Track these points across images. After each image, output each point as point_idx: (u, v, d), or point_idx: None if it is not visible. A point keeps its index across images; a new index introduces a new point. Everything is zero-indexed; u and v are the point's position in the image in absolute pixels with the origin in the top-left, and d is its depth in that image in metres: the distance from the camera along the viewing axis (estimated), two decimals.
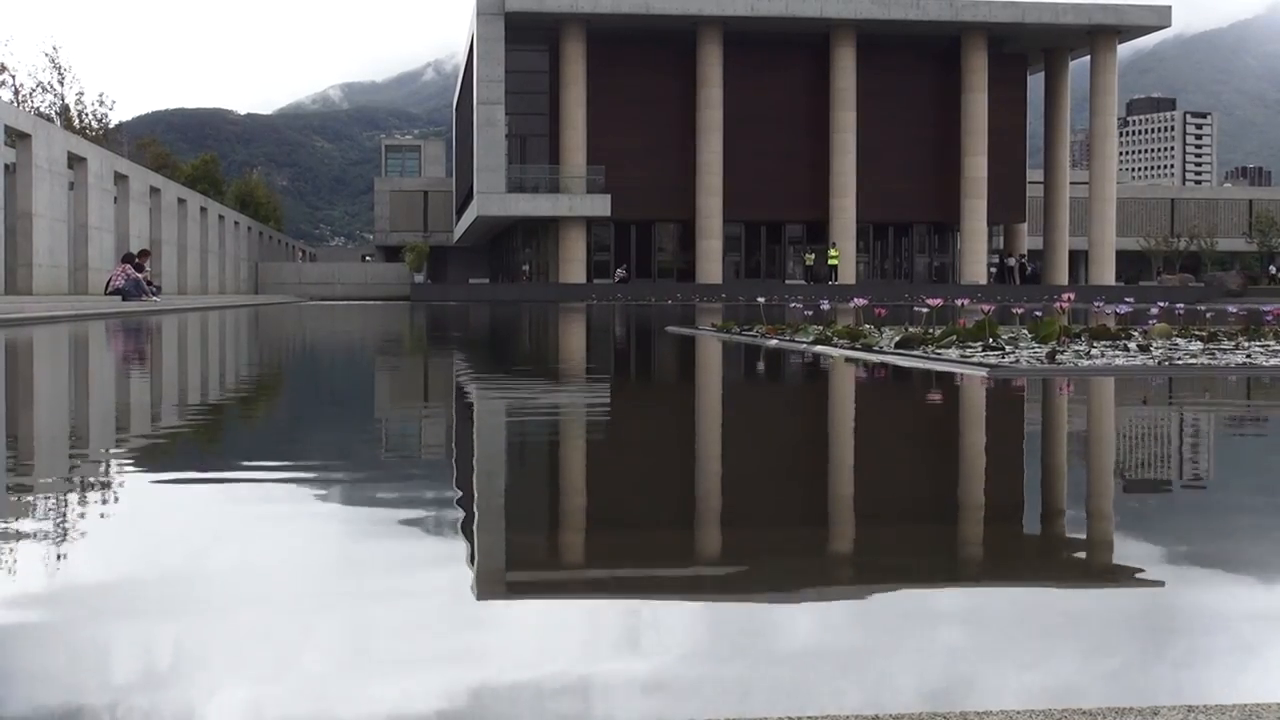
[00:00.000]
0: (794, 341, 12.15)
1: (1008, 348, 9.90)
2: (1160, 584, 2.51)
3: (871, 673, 1.92)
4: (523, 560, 2.80)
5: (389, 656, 1.96)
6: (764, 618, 2.25)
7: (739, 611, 2.29)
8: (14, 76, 72.76)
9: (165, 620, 2.18)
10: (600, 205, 60.90)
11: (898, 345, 10.46)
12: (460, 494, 3.61)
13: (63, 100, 71.28)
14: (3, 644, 2.04)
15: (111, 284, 32.66)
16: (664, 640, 2.11)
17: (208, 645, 2.04)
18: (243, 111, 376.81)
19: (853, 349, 10.81)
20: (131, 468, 4.11)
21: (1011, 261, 69.52)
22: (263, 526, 3.08)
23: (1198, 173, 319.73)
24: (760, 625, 2.20)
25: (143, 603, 2.31)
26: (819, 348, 11.28)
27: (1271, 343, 10.92)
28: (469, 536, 2.93)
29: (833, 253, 62.76)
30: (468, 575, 2.54)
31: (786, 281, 63.38)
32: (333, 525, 3.11)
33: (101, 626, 2.15)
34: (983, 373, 8.19)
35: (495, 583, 2.54)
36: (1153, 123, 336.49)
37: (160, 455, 4.52)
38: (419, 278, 72.07)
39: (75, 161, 36.33)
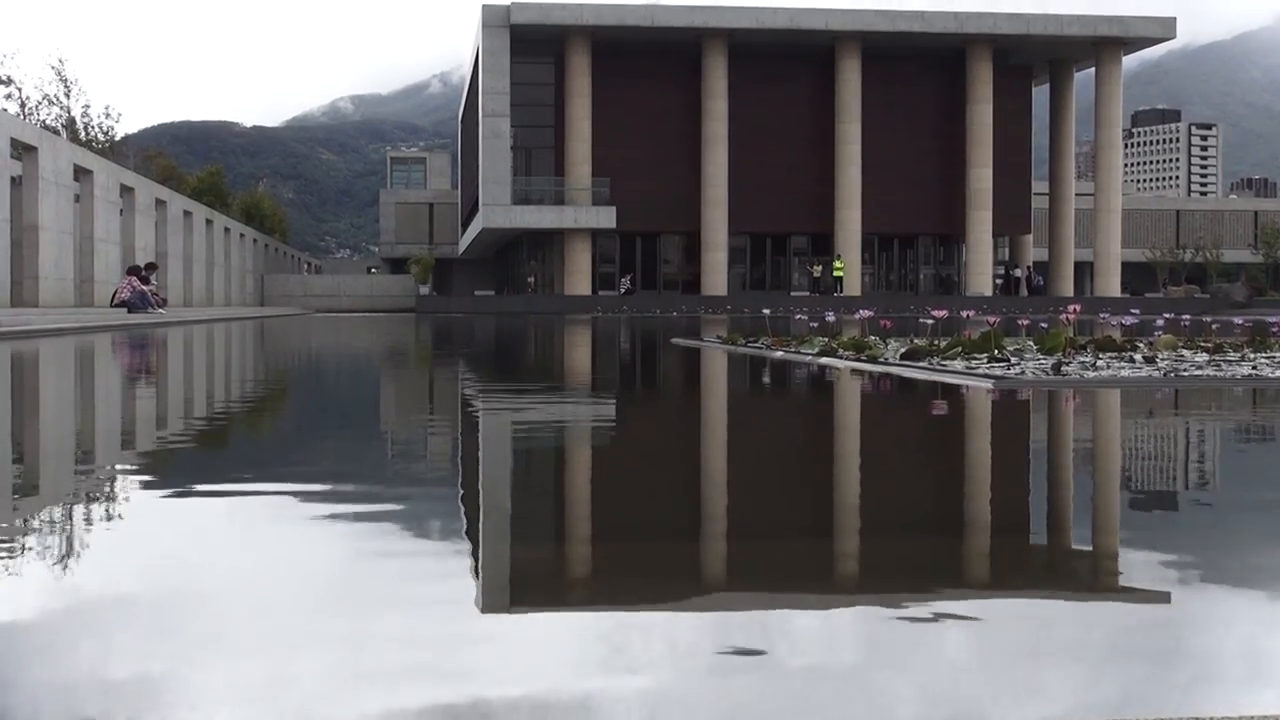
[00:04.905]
0: (799, 353, 12.15)
1: (1013, 359, 9.89)
2: (1166, 598, 2.50)
3: (878, 688, 1.91)
4: (529, 580, 2.80)
5: (389, 680, 1.96)
6: (772, 632, 2.24)
7: (746, 624, 2.29)
8: (20, 89, 72.76)
9: (162, 636, 2.18)
10: (605, 217, 60.97)
11: (903, 357, 10.45)
12: (466, 509, 3.60)
13: (69, 113, 71.43)
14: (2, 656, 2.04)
15: (117, 296, 32.69)
16: (670, 657, 2.10)
17: (204, 664, 2.03)
18: (248, 124, 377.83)
19: (858, 361, 10.80)
20: (135, 482, 4.11)
21: (1017, 273, 69.53)
22: (265, 542, 3.08)
23: (1203, 184, 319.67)
24: (768, 640, 2.20)
25: (139, 620, 2.30)
26: (824, 359, 11.27)
27: (1277, 354, 10.89)
28: (474, 552, 2.92)
29: (838, 264, 62.79)
30: (472, 592, 2.54)
31: (791, 293, 63.38)
32: (338, 541, 3.10)
33: (94, 644, 2.15)
34: (988, 384, 8.18)
35: (500, 603, 2.54)
36: (1158, 134, 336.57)
37: (165, 469, 4.52)
38: (424, 290, 72.16)
39: (81, 174, 36.40)
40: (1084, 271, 75.11)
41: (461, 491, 4.01)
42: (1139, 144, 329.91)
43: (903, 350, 10.97)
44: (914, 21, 63.01)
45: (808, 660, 2.07)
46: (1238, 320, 20.06)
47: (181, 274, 48.80)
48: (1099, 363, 9.76)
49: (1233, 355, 10.76)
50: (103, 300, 35.32)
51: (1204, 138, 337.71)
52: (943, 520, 3.57)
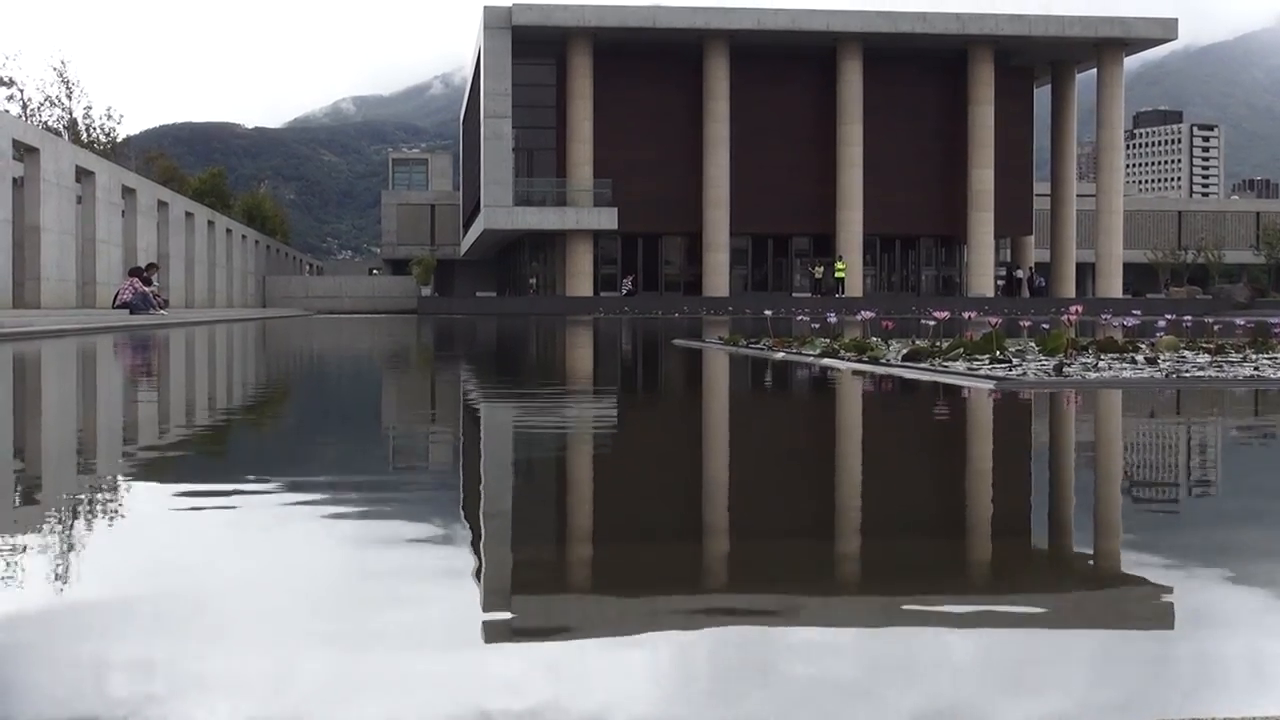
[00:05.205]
0: (801, 355, 12.15)
1: (1015, 361, 9.88)
2: (1169, 599, 2.50)
3: (881, 690, 1.91)
4: (532, 582, 2.79)
5: (388, 699, 1.96)
6: (777, 635, 2.24)
7: (750, 635, 2.28)
8: (22, 90, 72.90)
9: (155, 643, 2.17)
10: (607, 218, 60.97)
11: (905, 358, 10.45)
12: (469, 515, 3.60)
13: (70, 114, 71.43)
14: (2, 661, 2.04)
15: (119, 298, 32.69)
16: (674, 669, 2.10)
17: (198, 673, 2.03)
18: (250, 125, 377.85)
19: (860, 362, 10.80)
20: (137, 484, 4.10)
21: (1019, 274, 69.52)
22: (266, 549, 3.07)
23: (1205, 185, 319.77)
24: (773, 645, 2.19)
25: (129, 625, 2.30)
26: (826, 361, 11.27)
27: (1279, 355, 10.89)
28: (476, 556, 2.92)
29: (839, 265, 62.80)
30: (475, 598, 2.54)
31: (793, 294, 63.39)
32: (340, 549, 3.10)
33: (88, 647, 2.14)
34: (990, 385, 8.18)
35: (502, 609, 2.53)
36: (1160, 135, 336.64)
37: (166, 472, 4.51)
38: (426, 291, 72.15)
39: (83, 175, 36.41)
40: (1086, 272, 75.14)
41: (464, 496, 4.01)
42: (1141, 145, 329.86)
43: (904, 351, 10.97)
44: (915, 22, 63.02)
45: (812, 664, 2.07)
46: (1240, 321, 20.05)
47: (183, 275, 48.81)
48: (1101, 364, 9.75)
49: (1235, 356, 10.75)
50: (104, 302, 35.32)
51: (1206, 139, 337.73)
52: (946, 522, 3.56)
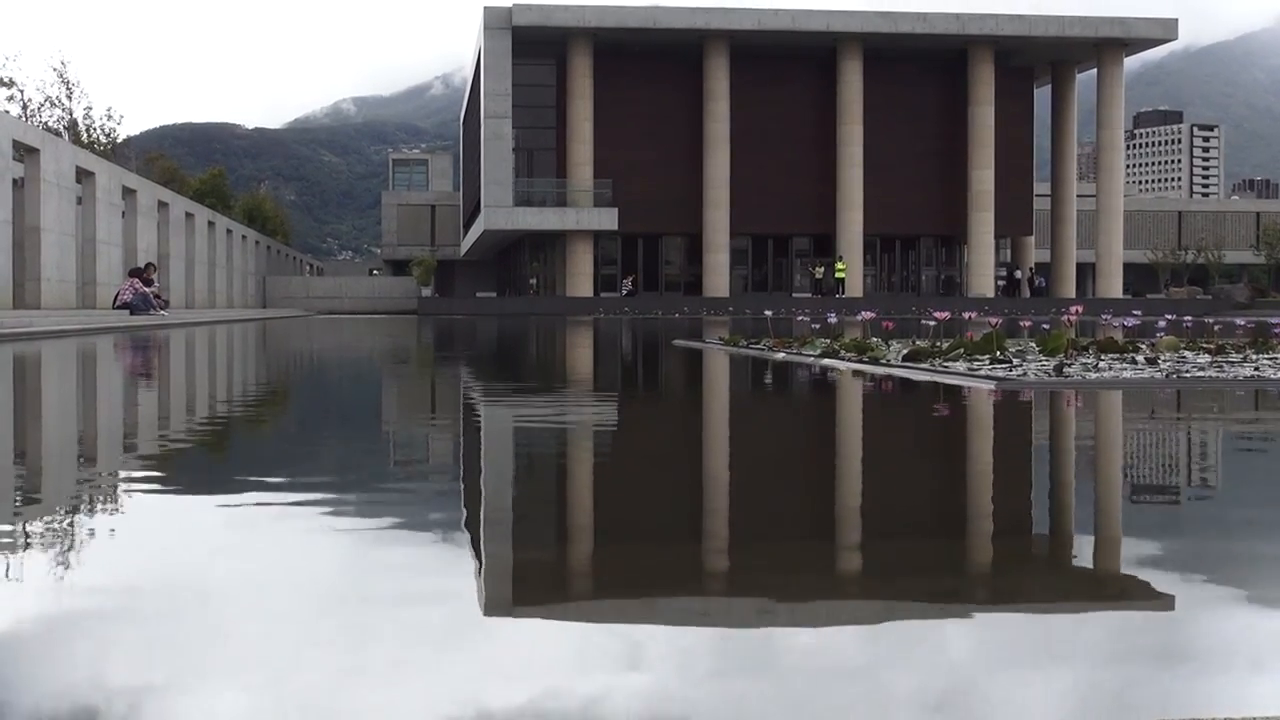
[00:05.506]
0: (801, 355, 12.15)
1: (1015, 361, 9.88)
2: (1170, 599, 2.50)
3: (880, 692, 1.91)
4: (531, 584, 2.79)
5: (391, 687, 1.96)
6: (776, 637, 2.24)
7: (750, 636, 2.28)
8: (22, 91, 72.91)
9: (154, 644, 2.17)
10: (607, 219, 60.98)
11: (905, 358, 10.45)
12: (466, 511, 3.60)
13: (71, 115, 71.44)
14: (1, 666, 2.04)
15: (119, 298, 32.68)
16: (674, 666, 2.10)
17: (203, 675, 2.03)
18: (250, 126, 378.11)
19: (860, 362, 10.80)
20: (136, 485, 4.10)
21: (1019, 274, 69.52)
22: (266, 548, 3.07)
23: (1205, 185, 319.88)
24: (772, 645, 2.19)
25: (131, 628, 2.30)
26: (826, 361, 11.27)
27: (1279, 355, 10.88)
28: (476, 556, 2.92)
29: (839, 266, 62.81)
30: (473, 596, 2.54)
31: (793, 294, 63.40)
32: (340, 548, 3.10)
33: (85, 648, 2.15)
34: (990, 386, 8.18)
35: (503, 609, 2.54)
36: (1160, 135, 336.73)
37: (166, 473, 4.51)
38: (426, 291, 72.17)
39: (83, 176, 36.40)
40: (1086, 273, 75.15)
41: (464, 496, 4.01)
42: (1141, 145, 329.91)
43: (905, 352, 10.97)
44: (915, 23, 63.03)
45: (810, 665, 2.07)
46: (1240, 321, 20.06)
47: (184, 276, 48.78)
48: (1101, 364, 9.75)
49: (1235, 356, 10.75)
50: (105, 302, 35.30)
51: (1206, 139, 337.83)
52: (946, 523, 3.56)
